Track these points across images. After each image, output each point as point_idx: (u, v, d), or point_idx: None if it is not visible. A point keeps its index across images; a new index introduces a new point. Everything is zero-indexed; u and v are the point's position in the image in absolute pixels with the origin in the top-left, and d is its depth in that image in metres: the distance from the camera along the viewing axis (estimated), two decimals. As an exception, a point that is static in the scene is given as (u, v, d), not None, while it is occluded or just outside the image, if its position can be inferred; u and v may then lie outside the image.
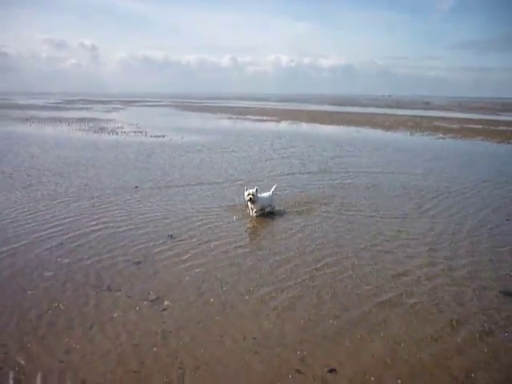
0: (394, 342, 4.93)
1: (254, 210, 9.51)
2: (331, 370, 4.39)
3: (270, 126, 34.14)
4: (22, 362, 4.41)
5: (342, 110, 57.54)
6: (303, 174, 14.60)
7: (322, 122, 37.27)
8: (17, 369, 4.31)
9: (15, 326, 5.08)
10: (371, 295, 6.03)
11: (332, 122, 37.18)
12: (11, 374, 4.21)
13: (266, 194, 9.82)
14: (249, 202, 9.39)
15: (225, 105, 76.12)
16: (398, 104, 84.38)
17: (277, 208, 10.12)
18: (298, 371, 4.36)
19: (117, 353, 4.62)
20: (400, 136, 27.88)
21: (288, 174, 14.53)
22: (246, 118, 41.90)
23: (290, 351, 4.70)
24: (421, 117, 46.72)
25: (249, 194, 9.30)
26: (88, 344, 4.77)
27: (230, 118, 42.40)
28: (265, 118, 42.67)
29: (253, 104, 78.91)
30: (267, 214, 9.79)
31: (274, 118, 41.63)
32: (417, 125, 35.53)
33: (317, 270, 6.82)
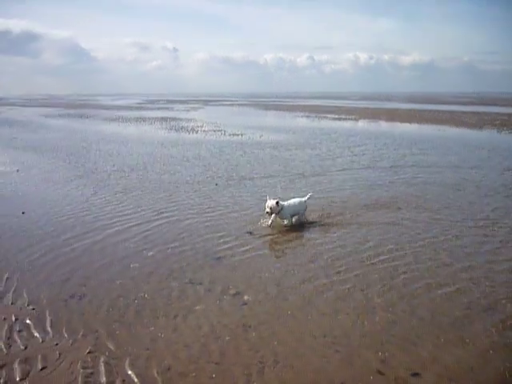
0: (483, 348, 4.73)
1: (285, 220, 8.82)
2: (414, 374, 4.28)
3: (346, 124, 33.69)
4: (112, 348, 4.64)
5: (424, 108, 55.68)
6: (370, 169, 14.26)
7: (401, 121, 36.29)
8: (107, 353, 4.54)
9: (105, 314, 5.36)
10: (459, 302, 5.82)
11: (412, 121, 36.09)
12: (102, 358, 4.44)
13: (294, 201, 8.98)
14: (268, 214, 8.60)
15: (302, 103, 75.90)
16: (484, 101, 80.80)
17: (309, 217, 9.19)
18: (380, 372, 4.30)
19: (200, 343, 4.76)
20: (485, 135, 26.60)
21: (351, 169, 14.39)
22: (323, 117, 41.56)
23: (371, 352, 4.64)
24: (509, 115, 44.36)
25: (267, 207, 8.53)
26: (172, 333, 4.94)
27: (307, 117, 42.23)
28: (342, 116, 42.13)
29: (330, 102, 78.13)
30: (297, 224, 8.93)
31: (351, 117, 41.02)
32: (505, 123, 33.80)
33: (396, 276, 6.66)
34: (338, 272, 6.58)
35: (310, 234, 8.27)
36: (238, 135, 25.07)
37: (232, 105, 73.98)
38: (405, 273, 6.55)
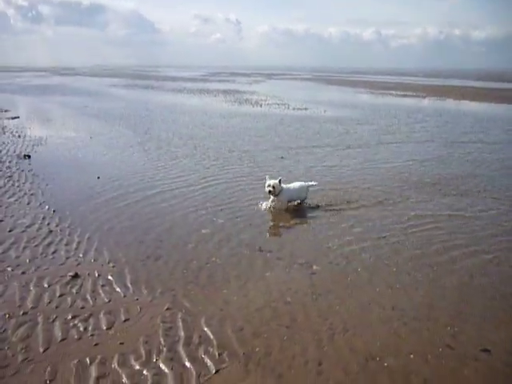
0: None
1: (279, 203, 8.10)
2: (484, 350, 4.30)
3: (410, 101, 32.73)
4: (188, 306, 4.90)
5: (499, 87, 53.16)
6: (426, 144, 13.92)
7: (471, 99, 34.93)
8: (184, 311, 4.80)
9: (180, 275, 5.63)
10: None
11: (484, 99, 34.66)
12: (179, 315, 4.71)
13: (295, 185, 8.31)
14: (270, 194, 8.00)
15: (365, 79, 74.32)
16: None
17: (309, 201, 8.54)
18: (449, 347, 4.33)
19: (270, 308, 4.93)
20: None
21: (402, 142, 14.14)
22: (387, 93, 40.62)
23: (440, 326, 4.67)
24: None
25: (268, 186, 7.94)
26: (243, 297, 5.14)
27: (370, 93, 41.43)
28: (406, 93, 40.99)
29: (395, 79, 76.00)
30: (296, 205, 8.39)
31: (416, 94, 39.81)
32: None
33: (469, 256, 6.59)
34: (408, 248, 6.58)
35: (375, 208, 8.23)
36: (301, 109, 24.99)
37: (295, 79, 73.37)
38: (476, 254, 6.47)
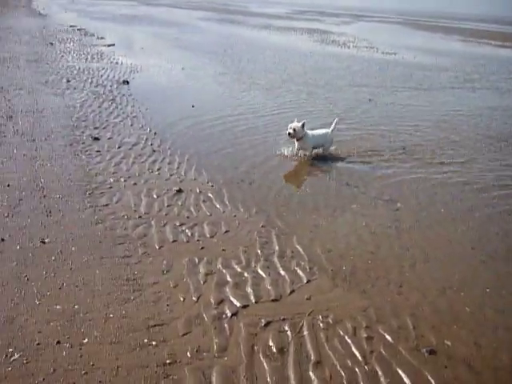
0: None
1: (299, 149, 7.82)
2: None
3: (506, 52, 30.97)
4: (281, 225, 5.39)
5: None
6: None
7: None
8: (277, 229, 5.29)
9: (272, 198, 6.12)
10: None
11: None
12: (273, 232, 5.21)
13: (320, 132, 7.97)
14: (290, 136, 7.63)
15: (460, 26, 70.19)
16: None
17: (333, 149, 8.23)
18: (526, 285, 4.59)
19: (356, 235, 5.34)
20: None
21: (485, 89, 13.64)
22: (484, 43, 38.42)
23: (518, 267, 4.92)
24: None
25: (290, 128, 7.54)
26: (331, 224, 5.57)
27: (463, 41, 39.36)
28: (506, 43, 38.63)
29: (495, 27, 71.24)
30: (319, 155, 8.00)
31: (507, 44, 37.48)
32: None
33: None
34: (489, 194, 6.72)
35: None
36: (390, 54, 24.35)
37: (385, 22, 70.48)
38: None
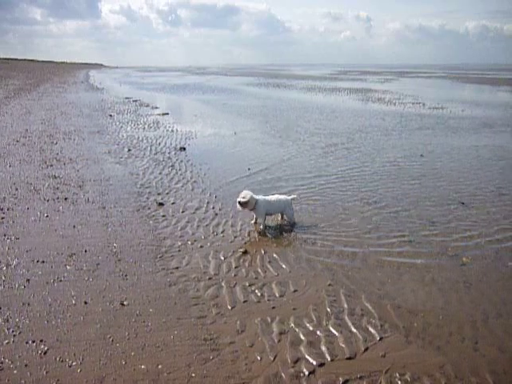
0: None
1: (254, 220, 7.42)
2: None
3: None
4: (347, 283, 5.46)
5: None
6: None
7: None
8: (344, 287, 5.36)
9: (336, 258, 6.20)
10: None
11: None
12: (341, 290, 5.28)
13: (275, 197, 7.44)
14: (240, 206, 7.12)
15: (507, 77, 69.83)
16: None
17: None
18: None
19: (424, 291, 5.34)
20: None
21: None
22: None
23: None
24: None
25: (240, 197, 7.07)
26: (397, 280, 5.59)
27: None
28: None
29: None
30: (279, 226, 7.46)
31: None
32: None
33: None
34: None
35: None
36: (438, 108, 24.48)
37: (428, 77, 70.95)
38: None
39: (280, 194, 8.03)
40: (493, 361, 4.10)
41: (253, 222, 7.46)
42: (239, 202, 7.04)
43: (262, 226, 7.26)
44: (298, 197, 8.16)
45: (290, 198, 7.54)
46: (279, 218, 7.70)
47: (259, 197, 7.27)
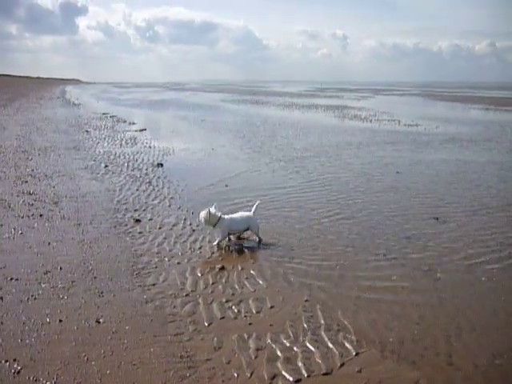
0: None
1: (218, 239, 7.19)
2: None
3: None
4: (324, 298, 5.50)
5: None
6: None
7: None
8: (321, 303, 5.40)
9: (314, 272, 6.25)
10: None
11: None
12: (317, 306, 5.32)
13: (239, 214, 7.40)
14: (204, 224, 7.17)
15: (478, 95, 71.50)
16: None
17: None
18: None
19: (399, 305, 5.41)
20: None
21: None
22: (504, 110, 38.99)
23: None
24: None
25: (207, 214, 7.00)
26: (374, 295, 5.65)
27: (485, 109, 40.04)
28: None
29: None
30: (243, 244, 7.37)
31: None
32: None
33: None
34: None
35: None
36: (413, 125, 24.92)
37: (403, 95, 72.25)
38: None
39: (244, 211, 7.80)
40: (467, 375, 4.16)
41: (215, 242, 7.19)
42: (205, 221, 7.05)
43: (216, 242, 7.19)
44: (260, 201, 7.95)
45: (251, 214, 7.38)
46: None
47: (224, 215, 7.17)
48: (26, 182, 10.81)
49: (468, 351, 4.53)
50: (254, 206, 7.53)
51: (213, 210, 7.09)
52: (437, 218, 8.67)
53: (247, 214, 7.43)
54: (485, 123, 27.16)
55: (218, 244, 7.19)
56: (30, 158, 13.79)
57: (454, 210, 9.23)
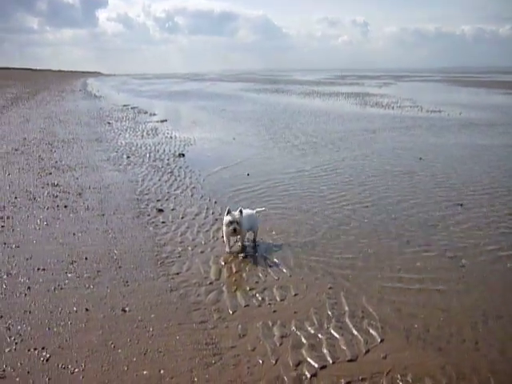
0: None
1: (238, 243, 6.63)
2: None
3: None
4: (348, 286, 5.48)
5: None
6: None
7: None
8: (345, 290, 5.38)
9: (336, 261, 6.22)
10: None
11: None
12: (341, 293, 5.30)
13: (247, 212, 6.58)
14: (234, 233, 6.32)
15: (503, 79, 70.13)
16: None
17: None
18: None
19: (424, 293, 5.36)
20: None
21: None
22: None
23: None
24: None
25: (232, 223, 6.17)
26: (398, 283, 5.61)
27: (508, 94, 39.29)
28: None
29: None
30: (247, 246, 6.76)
31: None
32: None
33: None
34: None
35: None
36: (435, 111, 24.57)
37: (425, 81, 71.26)
38: None
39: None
40: (493, 361, 4.12)
41: (228, 248, 6.54)
42: (234, 230, 6.21)
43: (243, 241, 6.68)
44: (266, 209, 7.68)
45: (255, 211, 6.92)
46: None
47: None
48: (50, 173, 10.95)
49: (494, 338, 4.47)
50: (259, 210, 7.17)
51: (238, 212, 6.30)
52: (461, 204, 8.55)
53: (251, 211, 6.83)
54: (505, 108, 26.64)
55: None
56: (53, 150, 13.95)
57: (479, 197, 9.08)
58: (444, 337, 4.48)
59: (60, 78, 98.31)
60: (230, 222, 6.16)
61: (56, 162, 12.29)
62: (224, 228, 6.34)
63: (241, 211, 6.28)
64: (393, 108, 26.85)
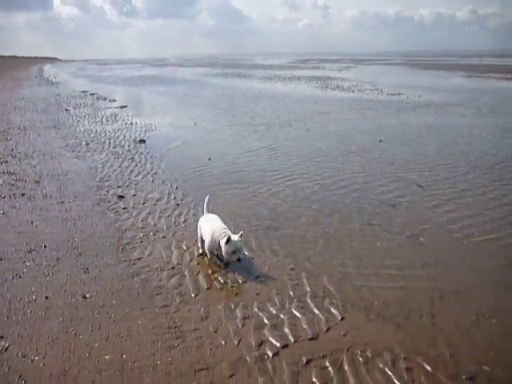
0: None
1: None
2: None
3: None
4: (310, 268, 5.55)
5: None
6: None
7: None
8: (306, 271, 5.45)
9: (298, 243, 6.29)
10: None
11: None
12: (303, 274, 5.37)
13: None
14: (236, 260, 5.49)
15: (461, 62, 71.58)
16: None
17: None
18: None
19: (383, 274, 5.47)
20: None
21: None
22: (487, 77, 39.15)
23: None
24: None
25: (235, 252, 5.37)
26: (358, 262, 5.71)
27: (467, 77, 40.16)
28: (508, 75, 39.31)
29: (496, 61, 72.57)
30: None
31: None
32: None
33: None
34: (511, 224, 6.86)
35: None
36: (395, 94, 24.92)
37: (386, 64, 72.10)
38: None
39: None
40: (449, 335, 4.25)
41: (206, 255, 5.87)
42: (238, 259, 5.47)
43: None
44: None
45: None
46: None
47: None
48: (6, 162, 10.65)
49: (450, 313, 4.62)
50: (205, 203, 6.29)
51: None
52: (421, 186, 8.72)
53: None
54: (467, 91, 27.23)
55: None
56: (8, 138, 13.55)
57: (438, 177, 9.29)
58: (403, 313, 4.60)
59: (14, 64, 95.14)
60: (234, 252, 5.38)
61: (12, 149, 11.96)
62: (224, 254, 5.45)
63: (241, 235, 5.45)
64: (353, 91, 27.09)
